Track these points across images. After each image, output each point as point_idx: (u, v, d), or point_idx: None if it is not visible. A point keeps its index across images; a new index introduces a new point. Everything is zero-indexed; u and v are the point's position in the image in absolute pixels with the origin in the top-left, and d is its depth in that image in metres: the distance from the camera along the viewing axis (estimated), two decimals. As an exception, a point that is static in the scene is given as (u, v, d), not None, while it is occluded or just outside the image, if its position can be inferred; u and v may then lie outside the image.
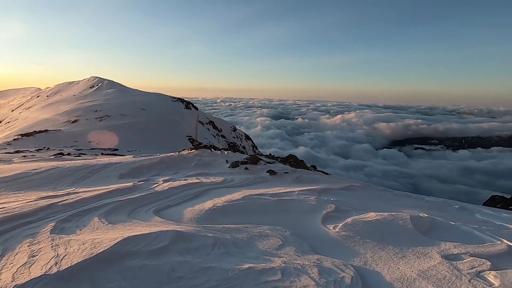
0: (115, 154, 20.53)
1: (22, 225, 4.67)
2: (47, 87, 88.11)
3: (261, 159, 11.75)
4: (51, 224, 4.64)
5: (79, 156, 16.27)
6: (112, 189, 6.80)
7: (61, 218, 4.95)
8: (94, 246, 3.75)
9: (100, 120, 60.69)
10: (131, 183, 7.55)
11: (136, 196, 6.39)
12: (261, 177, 9.51)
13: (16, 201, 5.85)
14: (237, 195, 6.92)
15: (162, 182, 7.93)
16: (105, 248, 3.65)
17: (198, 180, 8.23)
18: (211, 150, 12.95)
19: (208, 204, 6.15)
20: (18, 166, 9.27)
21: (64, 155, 16.29)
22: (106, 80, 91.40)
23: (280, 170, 10.33)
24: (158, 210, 5.91)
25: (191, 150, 12.59)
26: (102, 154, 20.26)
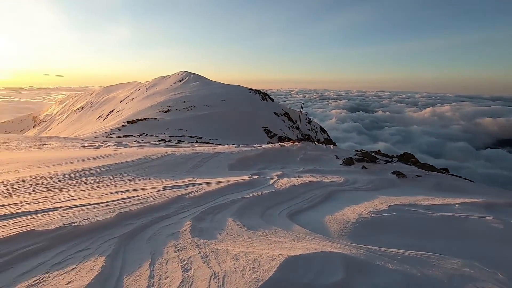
0: (207, 142, 21.27)
1: (159, 220, 4.21)
2: (146, 81, 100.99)
3: (376, 157, 9.91)
4: (188, 223, 4.03)
5: (178, 142, 17.06)
6: (230, 182, 6.14)
7: (194, 216, 4.34)
8: (253, 267, 2.84)
9: (187, 110, 66.30)
10: (246, 177, 6.81)
11: (259, 193, 5.54)
12: (388, 180, 7.78)
13: (144, 189, 5.62)
14: (378, 203, 5.45)
15: (276, 178, 7.00)
16: (270, 274, 2.68)
17: (316, 179, 7.03)
18: (315, 144, 11.69)
19: (352, 214, 4.86)
20: (137, 151, 9.66)
21: (166, 141, 17.34)
22: (193, 74, 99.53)
23: (408, 172, 8.37)
24: (292, 215, 4.90)
25: (293, 142, 11.59)
26: (196, 141, 21.18)
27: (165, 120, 58.73)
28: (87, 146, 13.94)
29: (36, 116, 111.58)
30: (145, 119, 57.99)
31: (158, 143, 16.10)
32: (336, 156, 9.87)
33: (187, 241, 3.52)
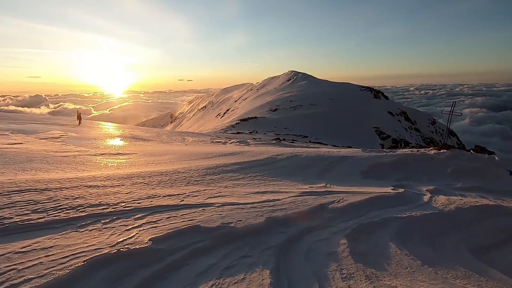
0: (320, 143, 20.65)
1: (308, 232, 3.85)
2: (257, 82, 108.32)
3: None
4: (343, 242, 3.50)
5: (293, 142, 16.96)
6: (374, 195, 5.26)
7: (346, 233, 3.76)
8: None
9: (294, 109, 67.11)
10: (389, 189, 5.76)
11: (417, 213, 4.46)
12: None
13: (281, 191, 5.42)
14: None
15: (429, 194, 5.64)
16: None
17: (491, 202, 5.27)
18: (471, 152, 9.28)
19: None
20: (261, 149, 9.87)
21: (281, 140, 17.58)
22: (301, 73, 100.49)
23: None
24: (475, 250, 3.65)
25: (437, 149, 9.54)
26: (309, 141, 20.81)
27: (273, 118, 61.23)
28: (216, 142, 15.35)
29: (172, 114, 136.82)
30: (255, 117, 62.12)
31: (274, 141, 16.45)
32: (510, 172, 7.41)
33: (351, 268, 2.96)
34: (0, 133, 14.48)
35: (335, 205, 4.74)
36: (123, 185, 5.24)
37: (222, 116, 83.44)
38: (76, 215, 3.62)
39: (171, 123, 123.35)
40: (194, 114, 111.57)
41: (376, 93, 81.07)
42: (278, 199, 4.83)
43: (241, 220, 3.80)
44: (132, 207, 4.02)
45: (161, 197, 4.60)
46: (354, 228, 3.97)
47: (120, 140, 14.77)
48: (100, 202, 4.10)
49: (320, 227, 4.01)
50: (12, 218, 3.33)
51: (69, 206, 3.84)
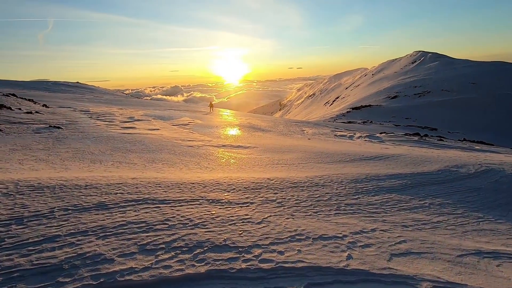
0: (483, 142, 15.17)
1: None
2: (373, 67, 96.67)
3: None
4: None
5: (441, 139, 12.74)
6: None
7: None
8: None
9: (419, 97, 55.85)
10: None
11: None
12: None
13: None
14: None
15: None
16: None
17: None
18: None
19: None
20: (415, 153, 7.01)
21: (421, 136, 13.62)
22: (430, 53, 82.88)
23: None
24: None
25: None
26: (464, 139, 15.67)
27: (391, 107, 52.60)
28: (339, 135, 13.01)
29: (281, 102, 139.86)
30: (369, 105, 55.01)
31: (416, 138, 12.73)
32: None
33: None
34: (145, 119, 16.55)
35: None
36: (251, 203, 3.85)
37: (331, 104, 78.55)
38: (194, 271, 2.28)
39: (279, 110, 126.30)
40: (302, 101, 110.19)
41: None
42: None
43: None
44: (274, 264, 2.44)
45: (309, 241, 2.89)
46: None
47: (239, 129, 14.46)
48: (226, 242, 2.70)
49: None
50: (112, 260, 2.26)
51: (186, 246, 2.58)
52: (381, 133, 15.43)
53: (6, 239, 2.42)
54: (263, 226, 3.13)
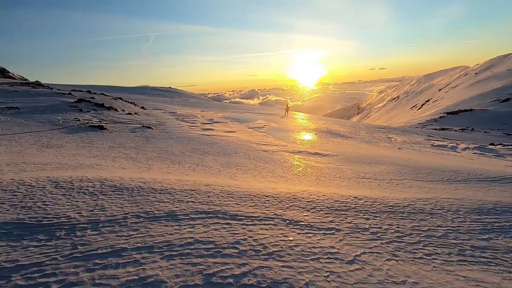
0: None
1: None
2: (476, 64, 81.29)
3: None
4: None
5: None
6: None
7: None
8: None
9: (546, 99, 44.04)
10: None
11: None
12: None
13: None
14: None
15: None
16: None
17: None
18: None
19: None
20: None
21: None
22: None
23: None
24: None
25: None
26: None
27: (501, 112, 42.75)
28: (436, 145, 10.89)
29: (359, 105, 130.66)
30: (470, 110, 45.93)
31: (555, 155, 9.60)
32: None
33: None
34: (223, 121, 17.20)
35: None
36: (337, 230, 3.11)
37: (419, 108, 69.13)
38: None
39: (357, 114, 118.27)
40: (384, 105, 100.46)
41: None
42: None
43: None
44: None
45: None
46: None
47: (315, 134, 13.57)
48: None
49: None
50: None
51: (258, 285, 2.05)
52: (494, 144, 12.39)
53: (79, 246, 2.34)
54: (356, 269, 2.38)
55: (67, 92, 16.59)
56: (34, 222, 2.63)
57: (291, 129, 15.07)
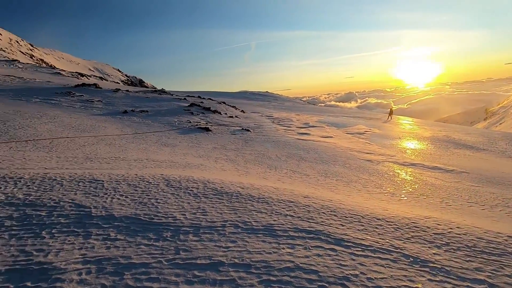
0: None
1: None
2: None
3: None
4: None
5: None
6: None
7: None
8: None
9: None
10: None
11: None
12: None
13: None
14: None
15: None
16: None
17: None
18: None
19: None
20: None
21: None
22: None
23: None
24: None
25: None
26: None
27: None
28: None
29: (489, 108, 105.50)
30: None
31: None
32: None
33: None
34: (319, 125, 16.52)
35: None
36: (492, 286, 2.23)
37: None
38: None
39: (484, 120, 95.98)
40: (529, 109, 78.25)
41: None
42: None
43: None
44: None
45: None
46: None
47: (432, 144, 11.35)
48: None
49: None
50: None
51: None
52: None
53: (181, 252, 2.34)
54: None
55: (182, 98, 19.21)
56: (147, 219, 2.82)
57: (398, 136, 13.12)
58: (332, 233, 2.88)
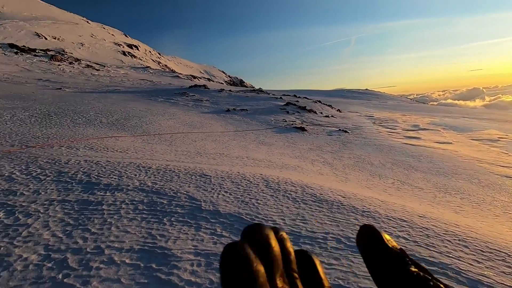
0: None
1: None
2: None
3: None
4: None
5: None
6: None
7: None
8: None
9: None
10: None
11: None
12: None
13: None
14: None
15: None
16: None
17: None
18: None
19: None
20: None
21: None
22: None
23: None
24: None
25: None
26: None
27: None
28: None
29: None
30: None
31: None
32: None
33: None
34: (433, 128, 14.11)
35: None
36: None
37: None
38: None
39: None
40: None
41: None
42: None
43: None
44: None
45: None
46: None
47: None
48: None
49: None
50: None
51: None
52: None
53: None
54: None
55: (279, 97, 19.66)
56: (249, 220, 2.90)
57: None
58: (464, 270, 2.29)
